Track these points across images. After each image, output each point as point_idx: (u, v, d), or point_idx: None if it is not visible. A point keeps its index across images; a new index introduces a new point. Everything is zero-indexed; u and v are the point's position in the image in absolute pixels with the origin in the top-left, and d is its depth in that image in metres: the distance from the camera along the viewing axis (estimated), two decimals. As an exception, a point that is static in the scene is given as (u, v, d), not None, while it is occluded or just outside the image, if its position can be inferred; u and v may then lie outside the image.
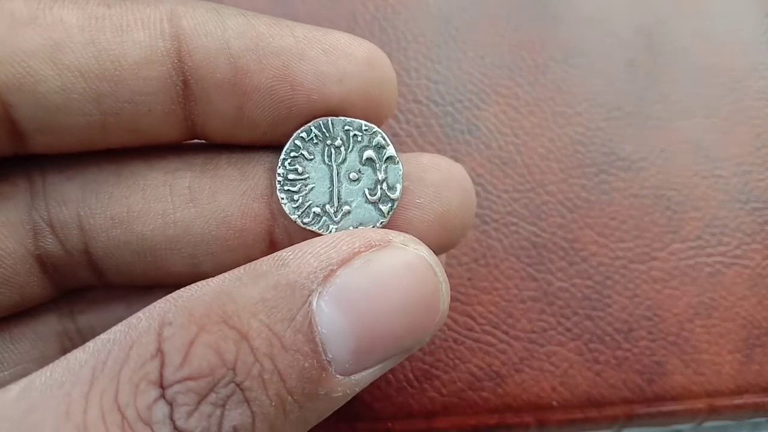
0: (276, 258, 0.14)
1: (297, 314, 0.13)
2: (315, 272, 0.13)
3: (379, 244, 0.14)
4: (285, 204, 0.16)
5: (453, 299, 0.24)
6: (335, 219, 0.16)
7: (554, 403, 0.23)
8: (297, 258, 0.14)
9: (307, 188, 0.16)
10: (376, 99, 0.16)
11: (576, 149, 0.26)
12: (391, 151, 0.16)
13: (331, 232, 0.16)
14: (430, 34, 0.26)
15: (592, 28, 0.27)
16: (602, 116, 0.26)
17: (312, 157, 0.16)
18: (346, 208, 0.16)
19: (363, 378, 0.14)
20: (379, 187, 0.16)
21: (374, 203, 0.16)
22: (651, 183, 0.26)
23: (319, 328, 0.13)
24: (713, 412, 0.24)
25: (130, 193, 0.17)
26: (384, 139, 0.16)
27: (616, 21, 0.27)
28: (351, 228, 0.16)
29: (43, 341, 0.18)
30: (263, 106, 0.15)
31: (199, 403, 0.12)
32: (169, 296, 0.13)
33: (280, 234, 0.17)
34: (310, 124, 0.16)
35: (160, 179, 0.17)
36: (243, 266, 0.14)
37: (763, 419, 0.25)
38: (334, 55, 0.15)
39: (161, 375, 0.12)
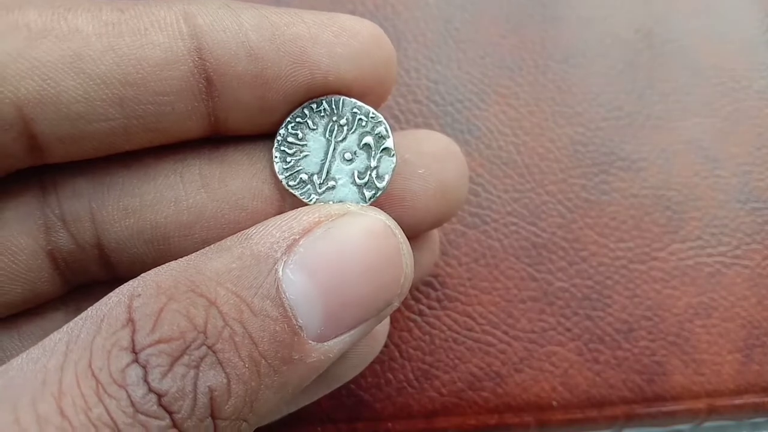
0: (240, 234, 0.14)
1: (263, 281, 0.13)
2: (278, 242, 0.14)
3: (339, 214, 0.15)
4: (277, 163, 0.17)
5: (453, 299, 0.24)
6: (318, 190, 0.17)
7: (554, 403, 0.23)
8: (260, 232, 0.14)
9: (301, 154, 0.17)
10: (383, 75, 0.17)
11: (576, 149, 0.26)
12: (389, 143, 0.17)
13: (311, 201, 0.17)
14: (430, 34, 0.26)
15: (592, 28, 0.27)
16: (602, 116, 0.26)
17: (315, 127, 0.17)
18: (331, 183, 0.17)
19: (338, 344, 0.14)
20: (369, 172, 0.17)
21: (360, 186, 0.17)
22: (651, 183, 0.26)
23: (287, 294, 0.13)
24: (713, 412, 0.24)
25: (141, 183, 0.17)
26: (386, 130, 0.17)
27: (616, 21, 0.27)
28: (331, 203, 0.17)
29: None
30: (284, 92, 0.16)
31: (172, 364, 0.12)
32: (138, 276, 0.14)
33: None
34: (322, 97, 0.17)
35: (170, 168, 0.17)
36: (210, 245, 0.14)
37: (763, 419, 0.25)
38: (345, 37, 0.16)
39: (133, 341, 0.13)
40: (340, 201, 0.17)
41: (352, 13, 0.26)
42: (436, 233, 0.21)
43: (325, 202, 0.17)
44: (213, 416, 0.13)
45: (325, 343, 0.14)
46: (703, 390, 0.24)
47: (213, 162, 0.17)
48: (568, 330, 0.24)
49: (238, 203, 0.17)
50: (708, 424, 0.25)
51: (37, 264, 0.17)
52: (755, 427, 0.26)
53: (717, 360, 0.24)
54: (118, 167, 0.17)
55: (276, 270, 0.14)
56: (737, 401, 0.24)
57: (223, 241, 0.14)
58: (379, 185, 0.17)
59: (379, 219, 0.15)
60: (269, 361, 0.13)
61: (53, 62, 0.14)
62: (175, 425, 0.12)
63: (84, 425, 0.12)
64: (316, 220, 0.14)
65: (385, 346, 0.23)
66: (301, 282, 0.14)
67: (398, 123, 0.25)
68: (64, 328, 0.13)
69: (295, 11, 0.16)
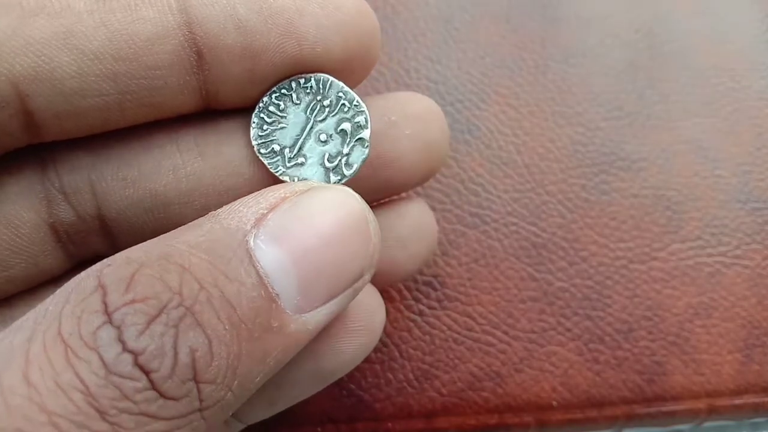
0: (208, 214, 0.14)
1: (236, 251, 0.13)
2: (246, 217, 0.14)
3: (303, 190, 0.15)
4: (253, 128, 0.17)
5: (453, 299, 0.24)
6: (287, 164, 0.17)
7: (554, 403, 0.23)
8: (227, 210, 0.14)
9: (278, 125, 0.17)
10: (368, 46, 0.17)
11: (576, 149, 0.26)
12: (365, 134, 0.17)
13: (278, 173, 0.17)
14: (430, 34, 0.26)
15: (592, 28, 0.27)
16: (602, 116, 0.26)
17: (298, 102, 0.17)
18: (301, 159, 0.17)
19: (316, 317, 0.14)
20: (339, 158, 0.17)
21: (327, 169, 0.17)
22: (651, 183, 0.26)
23: (261, 264, 0.14)
24: (713, 412, 0.24)
25: (139, 154, 0.17)
26: (366, 121, 0.17)
27: (617, 21, 0.27)
28: (295, 179, 0.17)
29: None
30: (273, 63, 0.16)
31: (149, 323, 0.12)
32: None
33: None
34: (311, 74, 0.17)
35: (166, 138, 0.17)
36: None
37: (763, 419, 0.25)
38: (329, 8, 0.16)
39: (105, 303, 0.12)
40: (305, 179, 0.17)
41: (352, 13, 0.26)
42: (433, 224, 0.21)
43: (290, 177, 0.17)
44: (196, 379, 0.12)
45: (303, 315, 0.14)
46: (703, 390, 0.24)
47: (207, 131, 0.17)
48: (568, 330, 0.24)
49: (236, 170, 0.17)
50: (708, 424, 0.25)
51: (40, 237, 0.17)
52: (755, 427, 0.26)
53: (717, 360, 0.24)
54: (116, 140, 0.17)
55: (247, 241, 0.14)
56: (737, 401, 0.24)
57: (192, 222, 0.14)
58: (346, 172, 0.17)
59: (343, 190, 0.15)
60: (248, 326, 0.13)
61: (47, 39, 0.14)
62: (153, 386, 0.12)
63: (52, 391, 0.11)
64: (282, 196, 0.15)
65: (385, 346, 0.23)
66: (272, 252, 0.14)
67: (398, 123, 0.25)
68: (33, 309, 0.13)
69: None
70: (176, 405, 0.12)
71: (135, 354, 0.12)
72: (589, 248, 0.25)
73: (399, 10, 0.26)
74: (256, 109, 0.17)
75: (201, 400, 0.12)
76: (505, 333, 0.24)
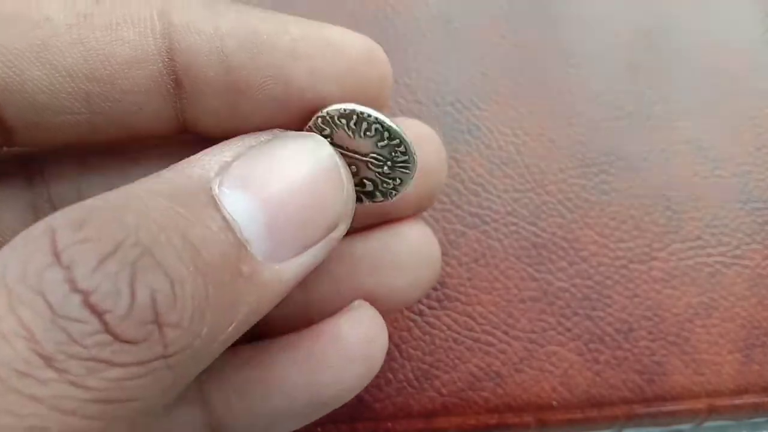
0: (169, 167, 0.14)
1: (199, 195, 0.13)
2: (209, 164, 0.13)
3: (268, 138, 0.14)
4: None
5: (453, 299, 0.24)
6: None
7: (554, 403, 0.23)
8: (189, 160, 0.14)
9: None
10: (373, 96, 0.16)
11: (576, 149, 0.26)
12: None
13: None
14: (430, 34, 0.26)
15: (592, 29, 0.27)
16: (602, 116, 0.26)
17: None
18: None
19: (291, 267, 0.14)
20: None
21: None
22: (651, 183, 0.26)
23: (227, 208, 0.13)
24: (713, 412, 0.24)
25: (128, 167, 0.17)
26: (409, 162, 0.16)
27: (617, 21, 0.27)
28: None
29: None
30: (257, 103, 0.15)
31: (102, 261, 0.11)
32: None
33: None
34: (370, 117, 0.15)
35: (155, 155, 0.17)
36: None
37: (763, 419, 0.25)
38: (330, 53, 0.15)
39: (53, 242, 0.11)
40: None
41: (352, 13, 0.26)
42: (435, 249, 0.19)
43: None
44: (158, 321, 0.11)
45: (278, 264, 0.14)
46: (703, 390, 0.24)
47: (199, 146, 0.17)
48: (568, 330, 0.24)
49: None
50: (708, 424, 0.25)
51: None
52: (755, 427, 0.26)
53: (717, 360, 0.24)
54: (106, 153, 0.17)
55: (210, 187, 0.13)
56: (737, 401, 0.24)
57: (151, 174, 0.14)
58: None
59: (311, 137, 0.15)
60: (216, 271, 0.12)
61: (20, 50, 0.14)
62: (107, 329, 0.11)
63: None
64: (248, 144, 0.14)
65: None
66: (238, 197, 0.13)
67: (398, 123, 0.25)
68: None
69: (282, 18, 0.15)
70: (135, 350, 0.11)
71: (85, 293, 0.11)
72: (589, 248, 0.25)
73: (399, 10, 0.26)
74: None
75: (165, 345, 0.11)
76: (505, 333, 0.24)
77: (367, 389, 0.23)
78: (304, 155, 0.14)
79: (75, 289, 0.11)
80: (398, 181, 0.16)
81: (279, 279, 0.14)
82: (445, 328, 0.24)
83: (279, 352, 0.17)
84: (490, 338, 0.24)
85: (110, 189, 0.16)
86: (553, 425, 0.23)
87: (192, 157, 0.14)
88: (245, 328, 0.13)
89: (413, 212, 0.19)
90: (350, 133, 0.15)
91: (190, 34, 0.15)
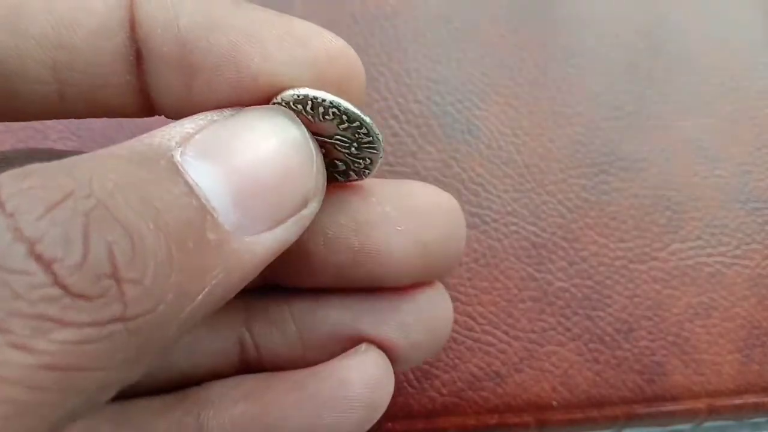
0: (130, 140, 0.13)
1: (159, 161, 0.12)
2: (171, 134, 0.13)
3: (232, 112, 0.14)
4: None
5: (453, 299, 0.24)
6: None
7: (554, 403, 0.23)
8: (150, 132, 0.13)
9: None
10: (336, 94, 0.15)
11: (576, 149, 0.26)
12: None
13: None
14: (430, 34, 0.26)
15: (592, 29, 0.27)
16: (602, 116, 0.26)
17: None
18: None
19: (262, 241, 0.13)
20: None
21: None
22: (651, 183, 0.26)
23: (191, 176, 0.12)
24: (713, 412, 0.24)
25: None
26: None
27: (617, 21, 0.27)
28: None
29: None
30: (210, 84, 0.15)
31: (51, 208, 0.10)
32: None
33: None
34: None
35: None
36: None
37: (763, 419, 0.25)
38: (288, 42, 0.15)
39: None
40: None
41: (352, 14, 0.26)
42: (448, 315, 0.18)
43: None
44: (115, 276, 0.10)
45: (248, 237, 0.13)
46: (703, 390, 0.24)
47: None
48: (568, 330, 0.24)
49: None
50: (708, 424, 0.25)
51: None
52: (755, 427, 0.26)
53: (717, 360, 0.24)
54: None
55: (172, 155, 0.12)
56: (737, 401, 0.24)
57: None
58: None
59: (276, 109, 0.14)
60: (179, 234, 0.11)
61: None
62: (56, 281, 0.09)
63: None
64: (211, 118, 0.14)
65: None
66: (201, 165, 0.12)
67: (398, 123, 0.25)
68: None
69: (250, 6, 0.15)
70: (89, 306, 0.09)
71: (31, 242, 0.09)
72: (589, 248, 0.25)
73: (399, 10, 0.26)
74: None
75: (125, 305, 0.10)
76: (505, 333, 0.24)
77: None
78: (270, 127, 0.14)
79: (19, 238, 0.09)
80: (368, 160, 0.16)
81: (250, 251, 0.13)
82: (445, 328, 0.24)
83: (282, 390, 0.17)
84: (490, 338, 0.24)
85: None
86: (553, 425, 0.23)
87: (153, 131, 0.13)
88: (217, 304, 0.13)
89: (414, 281, 0.18)
90: (309, 117, 0.15)
91: (150, 7, 0.15)
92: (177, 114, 0.16)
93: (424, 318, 0.18)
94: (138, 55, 0.15)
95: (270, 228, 0.13)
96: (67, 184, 0.10)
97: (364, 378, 0.16)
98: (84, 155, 0.12)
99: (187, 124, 0.14)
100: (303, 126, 0.14)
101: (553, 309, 0.24)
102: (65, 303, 0.09)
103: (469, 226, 0.24)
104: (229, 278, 0.12)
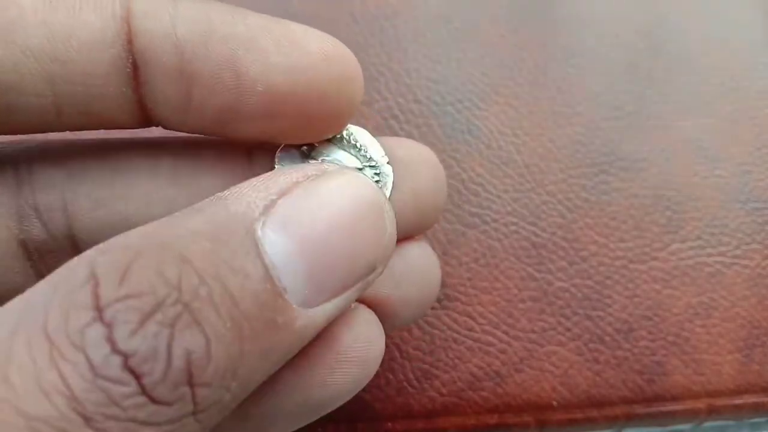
0: (213, 197, 0.14)
1: (242, 240, 0.13)
2: (255, 202, 0.13)
3: (316, 173, 0.14)
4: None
5: (453, 299, 0.24)
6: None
7: (554, 403, 0.23)
8: (234, 193, 0.13)
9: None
10: (333, 96, 0.16)
11: (576, 149, 0.26)
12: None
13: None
14: (430, 34, 0.26)
15: (592, 29, 0.27)
16: (602, 116, 0.26)
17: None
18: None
19: (324, 311, 0.14)
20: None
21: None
22: (651, 183, 0.26)
23: (268, 254, 0.13)
24: (713, 412, 0.24)
25: (113, 175, 0.17)
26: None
27: (617, 21, 0.27)
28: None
29: None
30: (209, 93, 0.15)
31: (143, 322, 0.11)
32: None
33: None
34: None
35: (142, 162, 0.17)
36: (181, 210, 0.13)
37: (763, 419, 0.25)
38: (285, 47, 0.15)
39: (96, 296, 0.11)
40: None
41: (352, 14, 0.26)
42: (436, 269, 0.19)
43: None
44: (191, 383, 0.11)
45: (311, 309, 0.13)
46: (703, 390, 0.24)
47: (185, 157, 0.17)
48: (568, 330, 0.24)
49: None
50: (708, 424, 0.25)
51: (10, 253, 0.16)
52: (755, 427, 0.26)
53: (717, 360, 0.24)
54: (93, 159, 0.17)
55: (254, 229, 0.13)
56: (737, 401, 0.24)
57: (194, 205, 0.13)
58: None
59: (358, 176, 0.14)
60: (252, 323, 0.12)
61: None
62: (144, 392, 0.11)
63: (32, 393, 0.10)
64: (294, 180, 0.14)
65: (386, 345, 0.23)
66: (281, 242, 0.13)
67: (398, 123, 0.25)
68: (16, 297, 0.12)
69: (244, 12, 0.15)
70: (168, 410, 0.11)
71: (125, 356, 0.11)
72: (589, 248, 0.25)
73: (399, 10, 0.26)
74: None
75: (195, 404, 0.12)
76: (505, 333, 0.24)
77: (367, 389, 0.23)
78: (350, 197, 0.14)
79: (116, 350, 0.11)
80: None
81: (313, 324, 0.14)
82: (445, 328, 0.24)
83: None
84: (490, 338, 0.24)
85: (95, 198, 0.16)
86: (553, 425, 0.23)
87: (237, 189, 0.14)
88: (273, 372, 0.14)
89: (403, 237, 0.18)
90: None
91: (147, 18, 0.15)
92: (175, 124, 0.16)
93: (414, 271, 0.18)
94: (135, 66, 0.15)
95: (334, 296, 0.14)
96: (159, 291, 0.11)
97: (355, 335, 0.17)
98: (174, 229, 0.12)
99: (272, 187, 0.14)
100: (383, 193, 0.15)
101: (553, 309, 0.24)
102: (150, 410, 0.11)
103: (469, 226, 0.24)
104: (288, 352, 0.13)
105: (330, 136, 0.16)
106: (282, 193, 0.14)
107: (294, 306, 0.13)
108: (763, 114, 0.27)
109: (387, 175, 0.17)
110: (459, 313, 0.24)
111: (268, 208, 0.13)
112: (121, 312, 0.11)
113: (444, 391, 0.23)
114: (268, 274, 0.13)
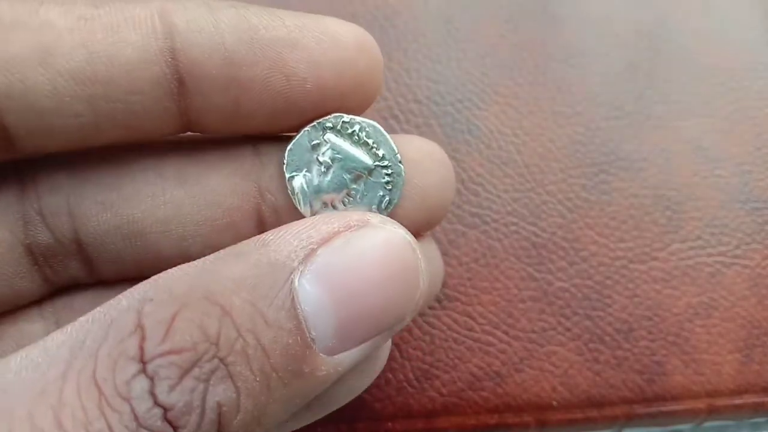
0: (257, 239, 0.14)
1: (279, 292, 0.13)
2: (296, 251, 0.14)
3: (358, 224, 0.14)
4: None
5: (453, 299, 0.24)
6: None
7: (554, 403, 0.23)
8: (277, 239, 0.14)
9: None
10: (367, 83, 0.16)
11: (576, 149, 0.26)
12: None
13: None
14: (430, 34, 0.26)
15: (592, 28, 0.27)
16: (602, 116, 0.26)
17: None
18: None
19: (347, 358, 0.14)
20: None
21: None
22: (651, 183, 0.26)
23: (302, 305, 0.13)
24: (713, 412, 0.24)
25: (119, 178, 0.17)
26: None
27: (617, 21, 0.27)
28: (349, 209, 0.16)
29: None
30: (260, 98, 0.16)
31: (181, 377, 0.12)
32: (150, 278, 0.13)
33: (267, 212, 0.17)
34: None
35: (148, 163, 0.17)
36: (225, 249, 0.14)
37: (763, 419, 0.25)
38: (326, 43, 0.15)
39: (141, 349, 0.12)
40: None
41: (353, 14, 0.26)
42: (439, 264, 0.19)
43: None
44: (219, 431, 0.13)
45: (336, 357, 0.14)
46: (703, 390, 0.24)
47: (191, 157, 0.17)
48: (568, 330, 0.24)
49: (216, 200, 0.17)
50: (708, 424, 0.25)
51: (16, 258, 0.16)
52: (755, 427, 0.26)
53: (717, 360, 0.24)
54: (97, 162, 0.17)
55: (292, 280, 0.13)
56: (737, 401, 0.24)
57: (239, 245, 0.14)
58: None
59: (399, 233, 0.15)
60: (280, 374, 0.13)
61: (22, 56, 0.14)
62: None
63: None
64: (336, 229, 0.14)
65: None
66: (316, 294, 0.13)
67: (398, 123, 0.25)
68: (68, 329, 0.13)
69: (279, 13, 0.16)
70: None
71: (165, 409, 0.12)
72: (589, 248, 0.25)
73: (399, 10, 0.26)
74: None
75: None
76: (505, 333, 0.24)
77: (367, 389, 0.23)
78: (390, 256, 0.14)
79: (157, 403, 0.12)
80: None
81: (336, 371, 0.14)
82: (445, 328, 0.24)
83: None
84: (490, 338, 0.24)
85: (101, 201, 0.16)
86: (553, 425, 0.23)
87: (281, 234, 0.14)
88: (293, 413, 0.14)
89: (419, 232, 0.18)
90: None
91: (192, 32, 0.15)
92: (217, 130, 0.16)
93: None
94: (180, 81, 0.15)
95: (359, 344, 0.14)
96: (199, 347, 0.12)
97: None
98: (217, 276, 0.13)
99: (314, 235, 0.14)
100: (419, 251, 0.15)
101: (553, 309, 0.24)
102: None
103: (469, 226, 0.24)
104: (310, 396, 0.14)
105: (346, 131, 0.17)
106: (322, 242, 0.14)
107: (320, 355, 0.14)
108: (763, 114, 0.27)
109: (398, 175, 0.17)
110: (459, 313, 0.24)
111: (307, 257, 0.14)
112: (163, 368, 0.12)
113: (444, 391, 0.23)
114: (300, 326, 0.13)
